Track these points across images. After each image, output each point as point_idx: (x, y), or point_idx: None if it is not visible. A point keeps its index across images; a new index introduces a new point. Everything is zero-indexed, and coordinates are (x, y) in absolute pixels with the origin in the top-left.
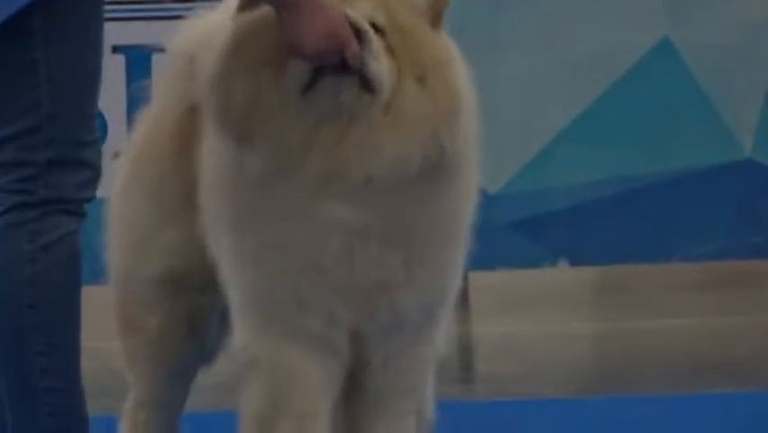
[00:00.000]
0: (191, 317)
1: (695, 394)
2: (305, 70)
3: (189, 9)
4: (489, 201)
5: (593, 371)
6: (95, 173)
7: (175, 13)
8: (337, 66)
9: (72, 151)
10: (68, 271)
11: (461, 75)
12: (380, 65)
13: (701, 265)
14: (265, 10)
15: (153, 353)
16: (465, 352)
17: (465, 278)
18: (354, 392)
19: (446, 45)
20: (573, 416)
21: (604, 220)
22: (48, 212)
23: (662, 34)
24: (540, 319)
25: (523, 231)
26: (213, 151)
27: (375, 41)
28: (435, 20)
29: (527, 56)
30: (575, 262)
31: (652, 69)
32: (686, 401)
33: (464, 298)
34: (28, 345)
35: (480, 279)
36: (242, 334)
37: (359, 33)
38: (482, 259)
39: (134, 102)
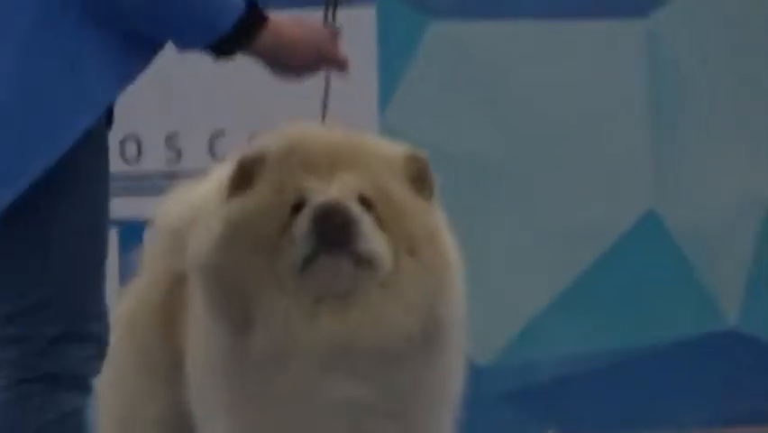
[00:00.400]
0: None
1: None
2: (302, 250)
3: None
4: (478, 373)
5: None
6: (101, 347)
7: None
8: (333, 245)
9: (79, 325)
10: None
11: (450, 245)
12: (374, 242)
13: None
14: (256, 196)
15: None
16: None
17: None
18: None
19: (433, 214)
20: None
21: (592, 391)
22: (54, 387)
23: (647, 207)
24: None
25: (512, 402)
26: (207, 333)
27: (365, 222)
28: (420, 186)
29: (515, 227)
30: (566, 432)
31: (637, 241)
32: None
33: None
34: None
35: None
36: None
37: (349, 219)
38: (473, 431)
39: (125, 276)
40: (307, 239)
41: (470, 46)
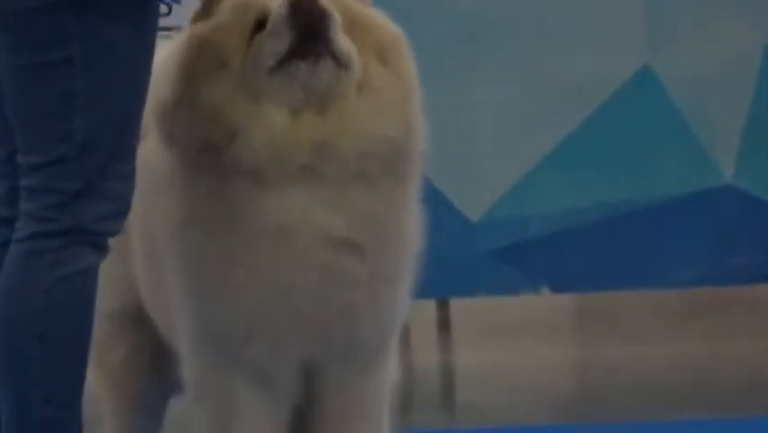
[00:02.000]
0: (153, 349)
1: (675, 421)
2: (277, 45)
3: None
4: (469, 229)
5: (573, 398)
6: (122, 206)
7: None
8: (311, 38)
9: (101, 182)
10: (82, 306)
11: (412, 57)
12: (348, 43)
13: (682, 292)
14: (218, 17)
15: (120, 388)
16: (445, 379)
17: (447, 304)
18: (307, 425)
19: (391, 24)
20: None
21: (584, 247)
22: (70, 243)
23: (642, 62)
24: (521, 347)
25: (504, 258)
26: (157, 175)
27: (336, 18)
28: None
29: (506, 85)
30: (556, 288)
31: (632, 96)
32: (666, 428)
33: (446, 324)
34: (32, 374)
35: (461, 305)
36: (191, 373)
37: (323, 14)
38: (464, 286)
39: None
40: (283, 31)
41: None
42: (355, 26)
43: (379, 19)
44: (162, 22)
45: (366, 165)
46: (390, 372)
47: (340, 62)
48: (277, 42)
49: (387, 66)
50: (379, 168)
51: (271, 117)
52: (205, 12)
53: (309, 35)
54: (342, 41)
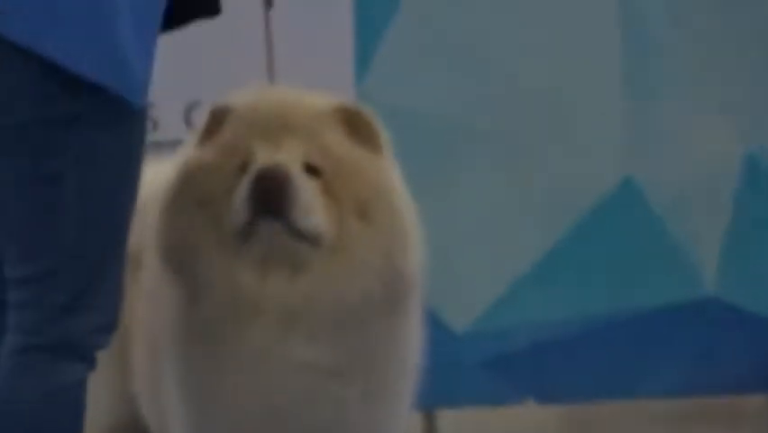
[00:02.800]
0: None
1: None
2: (241, 216)
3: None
4: (455, 340)
5: None
6: (111, 319)
7: None
8: (268, 213)
9: (90, 295)
10: (71, 418)
11: (403, 202)
12: (313, 215)
13: (667, 402)
14: (210, 152)
15: None
16: None
17: (433, 416)
18: None
19: (384, 172)
20: None
21: (569, 359)
22: (59, 357)
23: (625, 174)
24: None
25: (489, 370)
26: (160, 302)
27: (304, 193)
28: (366, 141)
29: (487, 199)
30: (541, 400)
31: (614, 207)
32: None
33: None
34: None
35: (447, 417)
36: None
37: (285, 190)
38: (450, 397)
39: None
40: (245, 205)
41: (447, 11)
42: (338, 178)
43: (365, 165)
44: (150, 137)
45: (341, 320)
46: None
47: (301, 237)
48: (240, 213)
49: (367, 221)
50: (357, 318)
51: (237, 278)
52: (210, 133)
53: (267, 211)
54: (305, 215)
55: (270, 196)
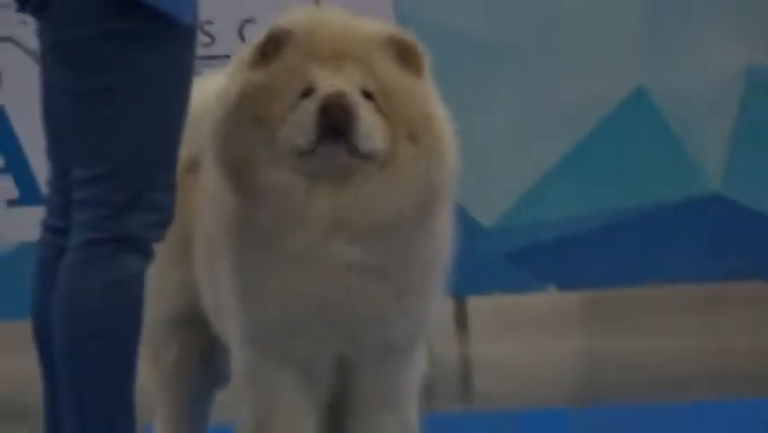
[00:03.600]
0: (202, 348)
1: (676, 404)
2: (305, 136)
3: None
4: (484, 234)
5: (579, 385)
6: (165, 216)
7: None
8: (333, 137)
9: (145, 195)
10: (132, 306)
11: (446, 125)
12: (373, 135)
13: (675, 288)
14: (269, 74)
15: (172, 383)
16: (463, 369)
17: (464, 302)
18: (344, 411)
19: (430, 97)
20: (562, 427)
21: (587, 249)
22: (119, 250)
23: (637, 83)
24: (531, 340)
25: (514, 260)
26: (213, 200)
27: (365, 120)
28: (409, 65)
29: (513, 105)
30: (562, 287)
31: (628, 114)
32: (667, 410)
33: (463, 320)
34: (89, 371)
35: (477, 303)
36: (239, 362)
37: (350, 117)
38: (479, 285)
39: None
40: (311, 127)
41: None
42: (391, 101)
43: (412, 91)
44: (206, 51)
45: (381, 229)
46: (419, 365)
47: (360, 156)
48: (302, 134)
49: (415, 143)
50: (399, 226)
51: (292, 187)
52: (268, 55)
53: (332, 134)
54: (368, 133)
55: (336, 123)
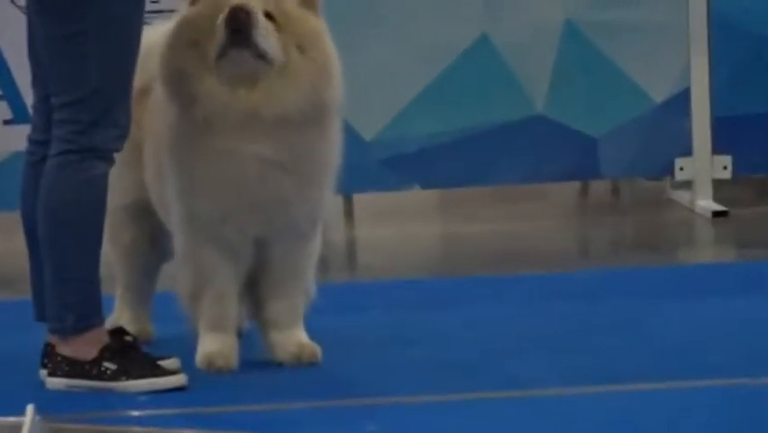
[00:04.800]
0: (151, 232)
1: (511, 274)
2: (219, 41)
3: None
4: (365, 145)
5: (437, 259)
6: (123, 132)
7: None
8: (239, 42)
9: (109, 114)
10: (97, 200)
11: (330, 46)
12: (269, 42)
13: (507, 187)
14: (200, 6)
15: (128, 259)
16: (350, 249)
17: (350, 198)
18: (260, 281)
19: (319, 24)
20: (424, 292)
21: (443, 157)
22: (88, 157)
23: (482, 31)
24: (401, 226)
25: (388, 165)
26: (157, 116)
27: (263, 25)
28: (308, 4)
29: (386, 43)
30: (425, 186)
31: (476, 54)
32: (501, 282)
33: (350, 211)
34: (67, 247)
35: (360, 199)
36: (179, 242)
37: (251, 19)
38: (361, 185)
39: None
40: (221, 33)
41: None
42: (288, 24)
43: (305, 18)
44: (154, 6)
45: (283, 122)
46: (317, 245)
47: (260, 56)
48: (219, 38)
49: (304, 54)
50: (297, 121)
51: (216, 90)
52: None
53: (237, 36)
54: (264, 40)
55: (239, 24)
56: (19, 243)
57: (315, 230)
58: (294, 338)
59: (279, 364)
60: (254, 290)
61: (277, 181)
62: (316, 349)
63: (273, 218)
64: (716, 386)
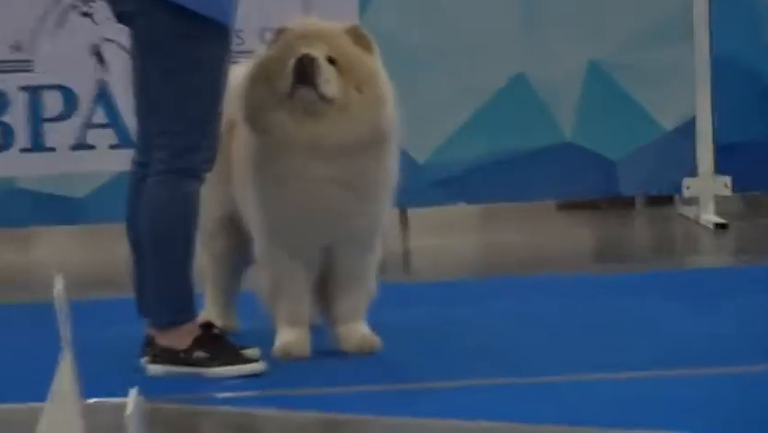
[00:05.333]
0: (239, 240)
1: (540, 275)
2: (288, 82)
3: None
4: (418, 167)
5: (482, 266)
6: (212, 155)
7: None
8: (302, 81)
9: (199, 141)
10: (190, 212)
11: (384, 82)
12: (330, 85)
13: (540, 203)
14: (273, 51)
15: (218, 262)
16: (405, 255)
17: (406, 212)
18: (328, 283)
19: (374, 64)
20: (465, 290)
21: (485, 177)
22: (183, 177)
23: (518, 70)
24: (449, 236)
25: (438, 184)
26: (243, 144)
27: (325, 70)
28: (363, 46)
29: (434, 82)
30: (469, 202)
31: (513, 90)
32: (537, 281)
33: (405, 223)
34: (165, 251)
35: (414, 213)
36: (259, 249)
37: (314, 66)
38: (415, 201)
39: None
40: (290, 76)
41: None
42: (347, 67)
43: (362, 60)
44: (238, 48)
45: (342, 149)
46: (377, 252)
47: (321, 97)
48: (288, 80)
49: (361, 92)
50: (355, 148)
51: (285, 122)
52: (275, 41)
53: (303, 80)
54: (325, 83)
55: (305, 71)
56: (123, 249)
57: (375, 239)
58: (357, 331)
59: (345, 354)
60: (324, 290)
61: (339, 198)
62: (377, 340)
63: (336, 229)
64: (721, 373)
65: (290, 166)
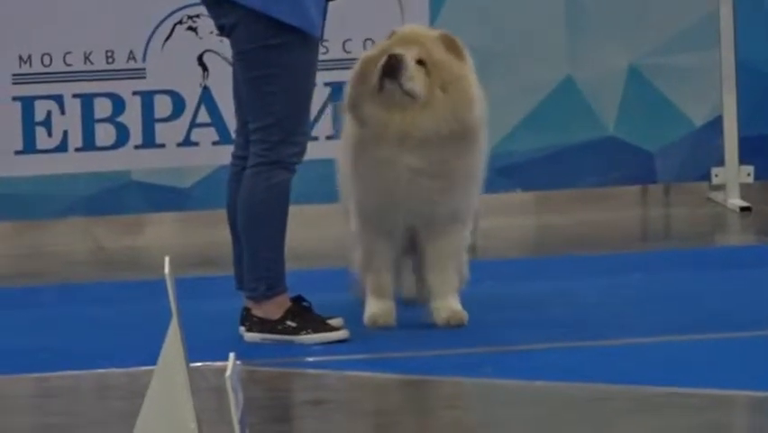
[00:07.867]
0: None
1: (591, 255)
2: (377, 81)
3: None
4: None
5: (536, 245)
6: (302, 149)
7: None
8: (388, 77)
9: (290, 136)
10: (282, 198)
11: (470, 83)
12: (414, 82)
13: (588, 190)
14: (374, 52)
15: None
16: (472, 237)
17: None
18: (421, 262)
19: (461, 67)
20: (523, 267)
21: (540, 167)
22: (276, 168)
23: (566, 73)
24: (508, 219)
25: (499, 173)
26: (348, 134)
27: (411, 69)
28: (453, 51)
29: (499, 81)
30: (525, 189)
31: (563, 90)
32: (583, 260)
33: None
34: (259, 232)
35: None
36: (354, 227)
37: (400, 64)
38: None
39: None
40: (378, 72)
41: None
42: (435, 69)
43: (450, 64)
44: (325, 56)
45: (427, 140)
46: (465, 234)
47: (406, 92)
48: (377, 76)
49: (446, 92)
50: (438, 140)
51: (377, 114)
52: (375, 46)
53: (388, 76)
54: (409, 80)
55: (391, 68)
56: (223, 233)
57: (460, 224)
58: (447, 305)
59: (431, 326)
60: (419, 269)
61: (423, 185)
62: (464, 315)
63: (420, 213)
64: (759, 336)
65: (382, 154)
